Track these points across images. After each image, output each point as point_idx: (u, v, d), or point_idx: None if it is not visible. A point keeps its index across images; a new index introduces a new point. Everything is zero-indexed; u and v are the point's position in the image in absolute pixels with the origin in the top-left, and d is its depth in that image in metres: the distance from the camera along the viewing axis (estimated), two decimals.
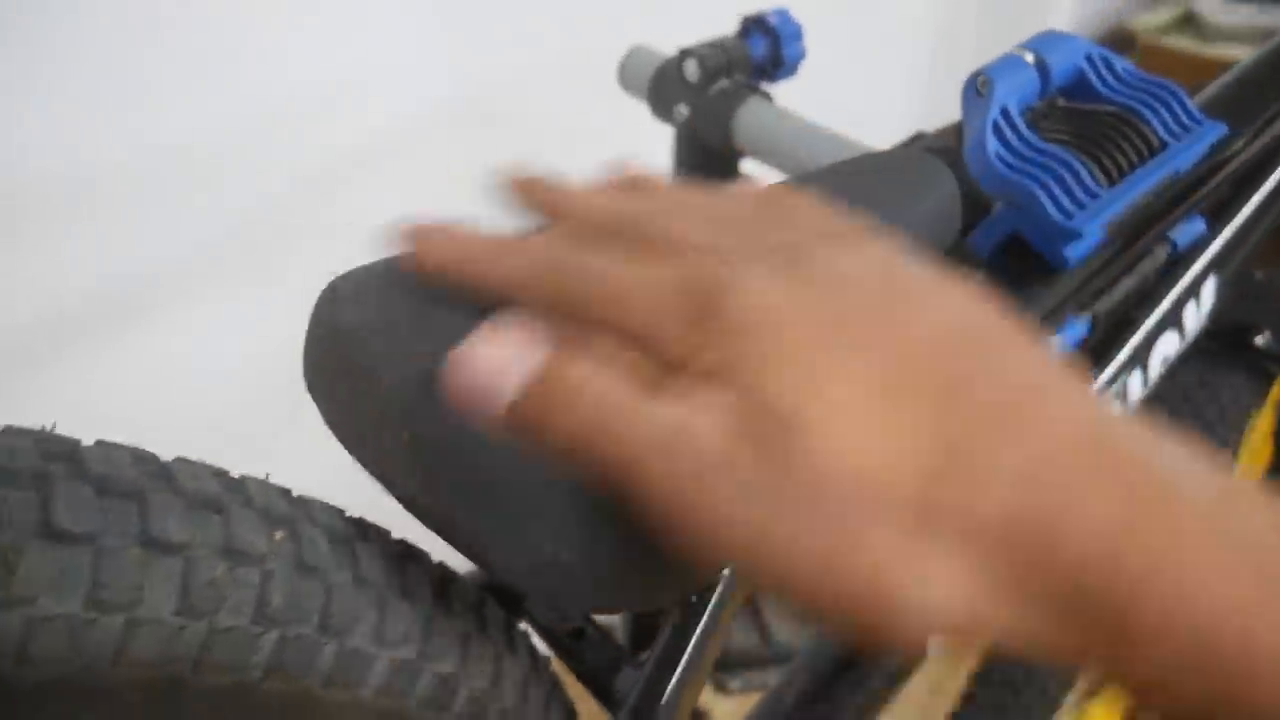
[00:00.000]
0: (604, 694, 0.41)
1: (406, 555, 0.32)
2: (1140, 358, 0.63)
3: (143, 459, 0.26)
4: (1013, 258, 0.51)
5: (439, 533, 0.28)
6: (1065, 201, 0.49)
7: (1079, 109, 0.54)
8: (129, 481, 0.24)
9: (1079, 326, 0.53)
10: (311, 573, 0.27)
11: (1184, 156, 0.52)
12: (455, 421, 0.27)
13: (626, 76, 0.77)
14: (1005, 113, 0.51)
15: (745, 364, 0.24)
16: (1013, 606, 0.22)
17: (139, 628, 0.23)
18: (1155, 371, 0.64)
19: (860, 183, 0.42)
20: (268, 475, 0.29)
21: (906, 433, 0.23)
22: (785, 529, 0.22)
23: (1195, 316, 0.65)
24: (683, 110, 0.73)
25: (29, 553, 0.22)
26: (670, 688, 0.39)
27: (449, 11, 0.87)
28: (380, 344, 0.28)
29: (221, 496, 0.26)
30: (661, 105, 0.74)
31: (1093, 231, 0.50)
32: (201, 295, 0.77)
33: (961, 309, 0.26)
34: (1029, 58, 0.52)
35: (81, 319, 0.72)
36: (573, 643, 0.42)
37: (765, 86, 0.74)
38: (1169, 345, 0.64)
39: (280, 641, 0.26)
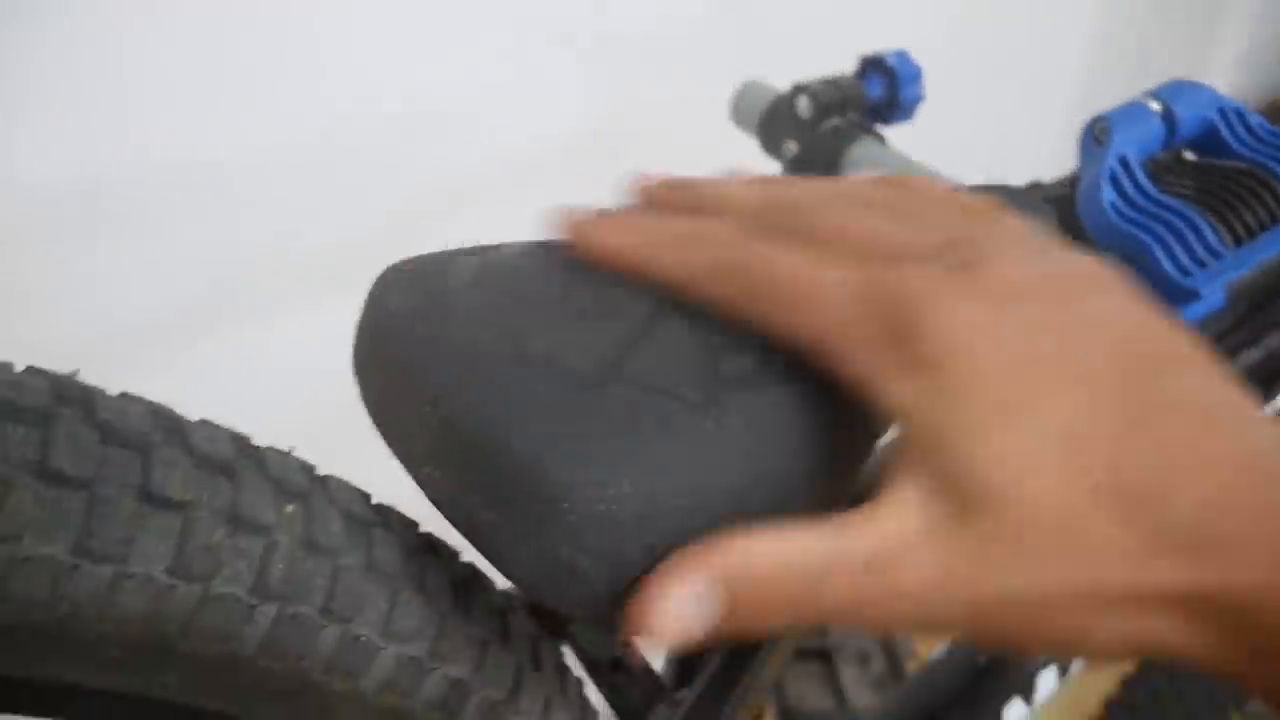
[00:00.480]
0: None
1: (429, 549, 0.31)
2: None
3: (160, 414, 0.25)
4: None
5: (456, 524, 0.27)
6: (1183, 259, 0.46)
7: (1207, 164, 0.50)
8: (136, 433, 0.24)
9: None
10: (320, 551, 0.26)
11: None
12: (485, 409, 0.26)
13: (739, 111, 0.75)
14: (1124, 161, 0.48)
15: (939, 402, 0.24)
16: (1191, 636, 0.23)
17: (127, 581, 0.22)
18: None
19: None
20: (292, 449, 0.28)
21: (1099, 471, 0.23)
22: (992, 586, 0.23)
23: None
24: (792, 147, 0.71)
25: (19, 489, 0.21)
26: None
27: (579, 44, 0.87)
28: (421, 328, 0.27)
29: (234, 461, 0.25)
30: (771, 141, 0.73)
31: (1213, 293, 0.46)
32: (299, 304, 0.79)
33: (1136, 319, 0.26)
34: (1154, 106, 0.49)
35: (187, 318, 0.74)
36: (611, 673, 0.40)
37: (880, 128, 0.72)
38: None
39: (278, 617, 0.25)
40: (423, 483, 0.27)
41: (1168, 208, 0.47)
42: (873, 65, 0.72)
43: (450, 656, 0.30)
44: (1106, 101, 0.48)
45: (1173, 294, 0.45)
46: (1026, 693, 0.56)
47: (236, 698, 0.26)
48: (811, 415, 0.27)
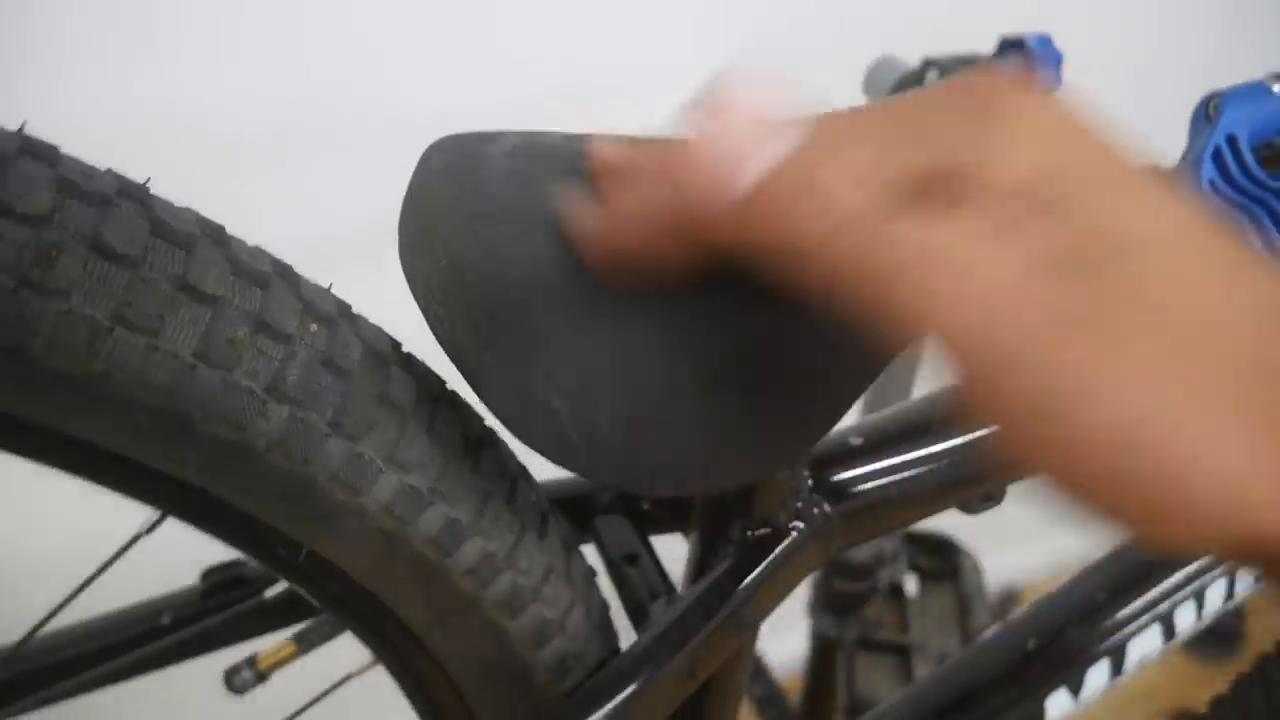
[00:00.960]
0: (636, 618, 0.41)
1: (447, 399, 0.33)
2: None
3: (210, 225, 0.28)
4: None
5: (455, 362, 0.30)
6: (1279, 241, 0.44)
7: None
8: (184, 233, 0.27)
9: None
10: (336, 371, 0.29)
11: None
12: (489, 257, 0.28)
13: (870, 84, 0.75)
14: (1232, 140, 0.46)
15: (1055, 187, 0.22)
16: None
17: (155, 354, 0.26)
18: None
19: None
20: (330, 285, 0.32)
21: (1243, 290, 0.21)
22: (1110, 367, 0.20)
23: None
24: None
25: (72, 255, 0.25)
26: (702, 632, 0.38)
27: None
28: (449, 184, 0.30)
29: (270, 276, 0.29)
30: None
31: None
32: None
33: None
34: (1277, 88, 0.47)
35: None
36: (625, 566, 0.42)
37: None
38: None
39: (289, 419, 0.28)
40: (432, 322, 0.30)
41: (1272, 190, 0.45)
42: (1012, 46, 0.71)
43: (450, 497, 0.32)
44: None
45: None
46: (1075, 687, 0.55)
47: (248, 490, 0.29)
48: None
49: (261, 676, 0.42)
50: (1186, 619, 0.55)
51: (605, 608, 0.40)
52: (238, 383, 0.27)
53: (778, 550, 0.39)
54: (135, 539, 0.34)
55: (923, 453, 0.42)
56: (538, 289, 0.27)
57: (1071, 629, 0.56)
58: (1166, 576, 0.55)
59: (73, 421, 0.27)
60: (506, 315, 0.28)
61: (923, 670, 0.94)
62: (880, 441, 0.42)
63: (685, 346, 0.28)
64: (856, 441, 0.42)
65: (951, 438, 0.42)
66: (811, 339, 0.29)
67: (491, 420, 0.31)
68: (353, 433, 0.30)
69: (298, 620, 0.44)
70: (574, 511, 0.43)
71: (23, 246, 0.24)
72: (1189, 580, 0.55)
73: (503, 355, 0.28)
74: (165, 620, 0.44)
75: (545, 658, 0.37)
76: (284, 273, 0.30)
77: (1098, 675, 0.55)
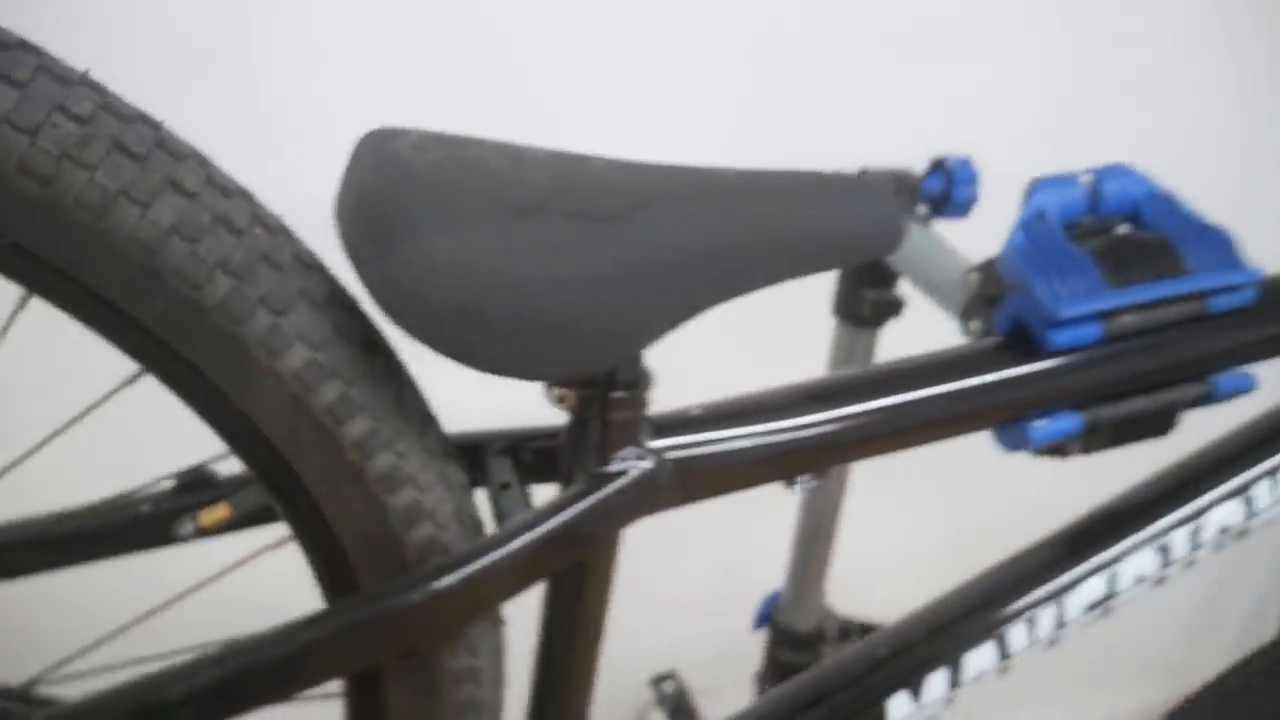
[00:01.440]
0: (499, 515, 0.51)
1: (354, 309, 0.45)
2: (1189, 515, 0.63)
3: (200, 153, 0.41)
4: (1017, 338, 0.56)
5: (355, 266, 0.41)
6: (1061, 291, 0.54)
7: (1127, 235, 0.58)
8: (181, 150, 0.40)
9: (1071, 420, 0.56)
10: (271, 264, 0.41)
11: (1207, 283, 0.55)
12: (376, 179, 0.40)
13: None
14: (1041, 215, 0.57)
15: None
16: None
17: (144, 221, 0.38)
18: (1208, 536, 0.63)
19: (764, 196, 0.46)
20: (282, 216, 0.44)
21: None
22: None
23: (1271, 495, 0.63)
24: None
25: (100, 144, 0.37)
26: (536, 534, 0.47)
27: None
28: (363, 154, 0.43)
29: (235, 193, 0.41)
30: None
31: (1084, 323, 0.54)
32: None
33: None
34: (1085, 180, 0.58)
35: None
36: (499, 490, 0.52)
37: (939, 221, 0.82)
38: (1230, 514, 0.63)
39: (230, 289, 0.40)
40: (342, 237, 0.42)
41: (1061, 252, 0.55)
42: (937, 165, 0.83)
43: (345, 376, 0.43)
44: None
45: (1043, 317, 0.54)
46: (915, 690, 0.62)
47: (195, 346, 0.41)
48: None
49: (201, 531, 0.53)
50: (1019, 640, 0.63)
51: (474, 512, 0.50)
52: (198, 253, 0.39)
53: (611, 485, 0.49)
54: (113, 392, 0.46)
55: (752, 429, 0.52)
56: (407, 198, 0.39)
57: (919, 643, 0.63)
58: (1009, 602, 0.63)
59: (85, 268, 0.39)
60: (389, 222, 0.40)
61: None
62: (718, 417, 0.52)
63: (518, 250, 0.39)
64: (697, 413, 0.52)
65: (780, 420, 0.52)
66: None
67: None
68: (276, 309, 0.41)
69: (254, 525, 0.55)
70: (470, 451, 0.54)
71: (69, 133, 0.37)
72: (1029, 606, 0.62)
73: (377, 249, 0.40)
74: (145, 509, 0.56)
75: (415, 538, 0.47)
76: (245, 194, 0.42)
77: (937, 683, 0.62)
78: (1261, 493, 0.63)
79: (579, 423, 0.49)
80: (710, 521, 0.80)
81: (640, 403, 0.49)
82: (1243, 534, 0.64)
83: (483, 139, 0.44)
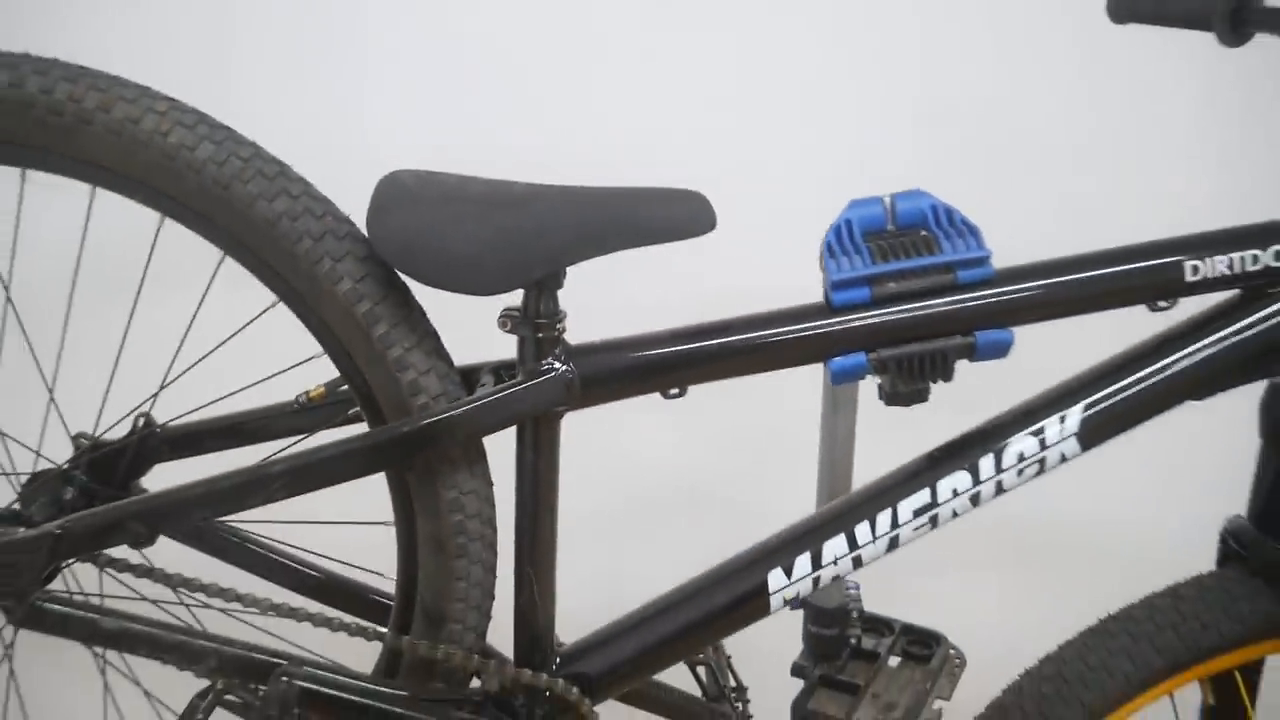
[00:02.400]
0: None
1: (381, 263, 0.81)
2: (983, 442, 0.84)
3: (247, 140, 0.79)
4: (826, 301, 0.83)
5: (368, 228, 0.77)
6: (844, 265, 0.81)
7: (908, 233, 0.84)
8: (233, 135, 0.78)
9: (858, 358, 0.81)
10: (335, 236, 0.78)
11: (949, 258, 0.80)
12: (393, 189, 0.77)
13: None
14: (848, 223, 0.84)
15: None
16: None
17: (271, 208, 0.76)
18: (1009, 461, 0.84)
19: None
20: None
21: None
22: None
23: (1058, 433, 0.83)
24: None
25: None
26: (454, 412, 0.79)
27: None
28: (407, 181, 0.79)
29: (315, 194, 0.79)
30: None
31: (853, 284, 0.81)
32: None
33: None
34: (886, 200, 0.85)
35: None
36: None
37: None
38: (1026, 446, 0.84)
39: (311, 246, 0.77)
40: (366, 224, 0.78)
41: (852, 245, 0.82)
42: None
43: (371, 298, 0.79)
44: None
45: (830, 283, 0.81)
46: (788, 569, 0.86)
47: (295, 277, 0.78)
48: None
49: (310, 401, 0.90)
50: (865, 536, 0.85)
51: (456, 392, 0.83)
52: (296, 227, 0.77)
53: (537, 377, 0.80)
54: (263, 312, 0.84)
55: (633, 354, 0.82)
56: (391, 196, 0.75)
57: (791, 538, 0.88)
58: (858, 509, 0.86)
59: (244, 239, 0.77)
60: (379, 206, 0.75)
61: (865, 710, 1.18)
62: (611, 346, 0.82)
63: (443, 219, 0.74)
64: (597, 342, 0.83)
65: (654, 349, 0.82)
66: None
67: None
68: (335, 258, 0.78)
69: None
70: (470, 373, 0.87)
71: (236, 166, 0.77)
72: (871, 512, 0.85)
73: (377, 222, 0.75)
74: (295, 405, 0.93)
75: (415, 403, 0.81)
76: (324, 199, 0.80)
77: (801, 563, 0.86)
78: (1053, 430, 0.83)
79: (520, 344, 0.82)
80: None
81: (554, 328, 0.81)
82: (1040, 464, 0.84)
83: (455, 174, 0.79)
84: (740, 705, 1.16)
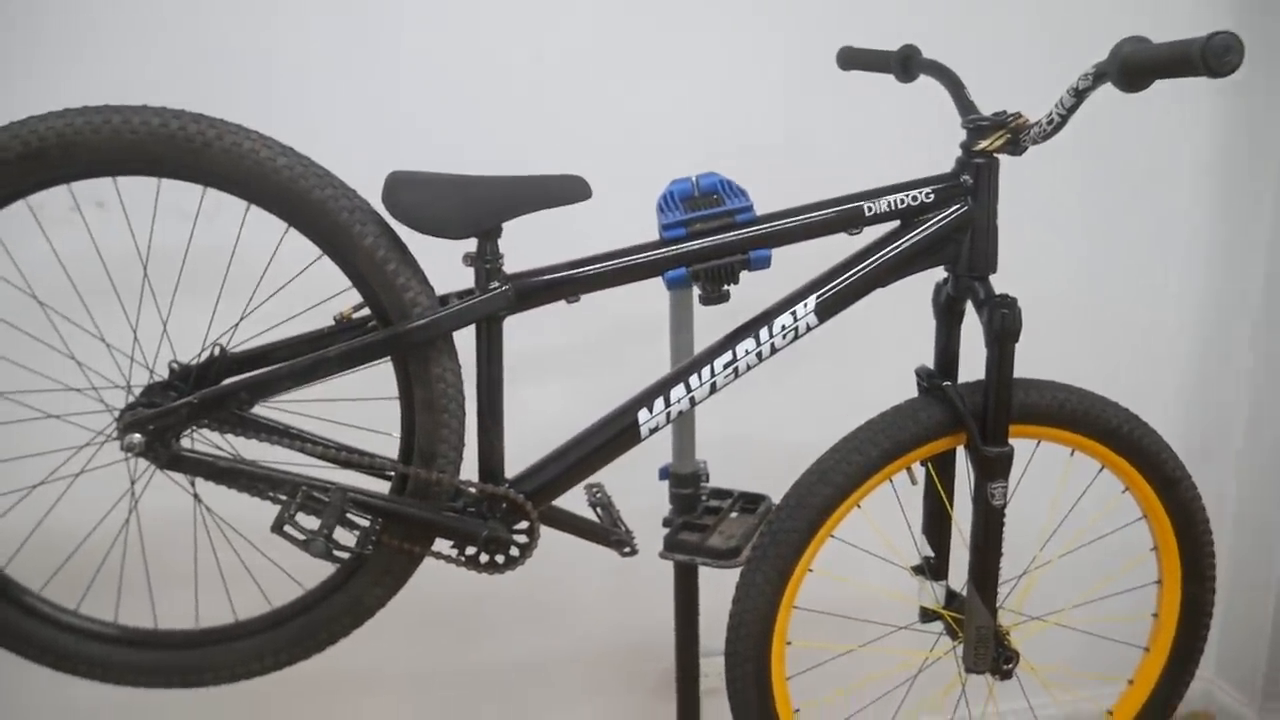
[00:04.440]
0: None
1: (388, 226, 1.31)
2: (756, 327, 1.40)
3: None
4: (660, 239, 1.38)
5: (385, 203, 1.28)
6: (669, 215, 1.36)
7: (707, 196, 1.39)
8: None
9: (680, 271, 1.36)
10: (359, 210, 1.28)
11: (729, 206, 1.36)
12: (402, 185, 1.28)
13: None
14: (671, 193, 1.40)
15: None
16: None
17: (323, 194, 1.26)
18: (778, 331, 1.39)
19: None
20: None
21: None
22: None
23: (805, 309, 1.40)
24: None
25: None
26: (418, 322, 1.31)
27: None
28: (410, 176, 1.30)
29: (344, 186, 1.29)
30: None
31: (675, 225, 1.36)
32: None
33: None
34: (693, 178, 1.41)
35: None
36: None
37: None
38: (786, 320, 1.40)
39: (348, 215, 1.27)
40: (383, 199, 1.29)
41: (672, 205, 1.38)
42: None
43: (385, 246, 1.29)
44: None
45: (660, 227, 1.36)
46: (649, 407, 1.39)
47: (338, 238, 1.27)
48: None
49: (344, 318, 1.38)
50: (696, 382, 1.39)
51: (434, 299, 1.33)
52: (339, 203, 1.27)
53: (487, 292, 1.32)
54: (315, 262, 1.33)
55: (554, 275, 1.34)
56: (399, 184, 1.26)
57: (650, 392, 1.42)
58: (690, 366, 1.40)
59: (304, 215, 1.27)
60: (391, 188, 1.27)
61: (714, 539, 1.72)
62: (541, 270, 1.35)
63: (431, 194, 1.26)
64: (531, 269, 1.35)
65: (566, 271, 1.34)
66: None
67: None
68: (362, 222, 1.28)
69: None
70: (447, 299, 1.38)
71: (297, 168, 1.26)
72: (698, 366, 1.40)
73: (393, 197, 1.26)
74: (334, 324, 1.41)
75: (415, 315, 1.31)
76: (351, 191, 1.30)
77: (658, 404, 1.39)
78: (801, 309, 1.39)
79: (476, 272, 1.33)
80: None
81: (497, 262, 1.32)
82: (795, 331, 1.40)
83: (435, 171, 1.30)
84: (626, 531, 1.69)
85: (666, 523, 1.77)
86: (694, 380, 1.40)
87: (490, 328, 1.34)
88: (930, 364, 1.53)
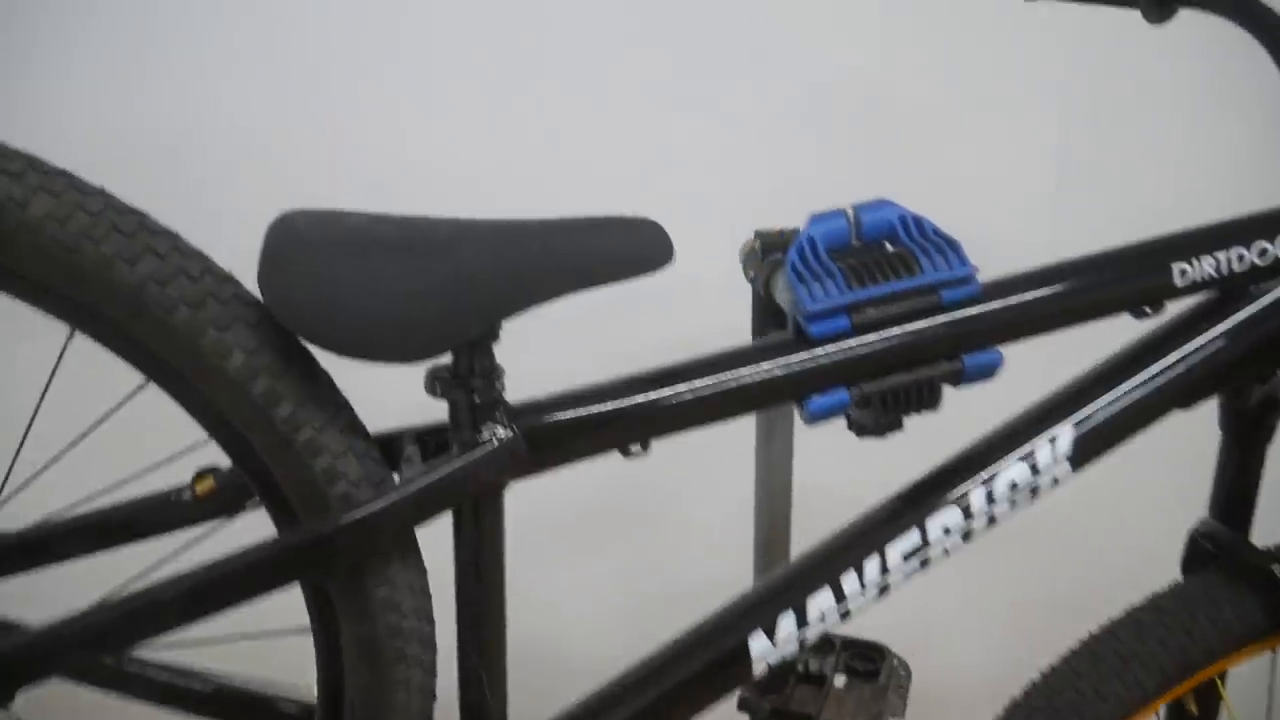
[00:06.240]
0: None
1: (279, 329, 0.66)
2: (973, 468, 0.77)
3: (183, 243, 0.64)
4: (795, 334, 0.74)
5: (261, 289, 0.63)
6: (816, 292, 0.72)
7: (874, 250, 0.75)
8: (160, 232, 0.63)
9: (839, 395, 0.72)
10: (216, 299, 0.63)
11: (933, 278, 0.72)
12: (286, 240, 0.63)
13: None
14: (811, 240, 0.75)
15: None
16: None
17: (133, 272, 0.61)
18: (1001, 492, 0.76)
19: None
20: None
21: None
22: None
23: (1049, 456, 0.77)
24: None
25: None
26: (416, 487, 0.67)
27: None
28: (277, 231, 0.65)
29: (189, 250, 0.64)
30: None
31: (834, 315, 0.71)
32: None
33: None
34: (849, 213, 0.76)
35: None
36: (402, 462, 0.72)
37: None
38: (1018, 473, 0.77)
39: (189, 315, 0.62)
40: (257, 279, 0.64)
41: (821, 266, 0.73)
42: None
43: (270, 372, 0.64)
44: None
45: (804, 313, 0.71)
46: (769, 631, 0.77)
47: (173, 352, 0.63)
48: None
49: (197, 497, 0.74)
50: (853, 586, 0.77)
51: (380, 475, 0.69)
52: (168, 292, 0.62)
53: (478, 450, 0.68)
54: (130, 396, 0.68)
55: (587, 410, 0.70)
56: (286, 245, 0.61)
57: (773, 593, 0.78)
58: (843, 556, 0.77)
59: (103, 306, 0.62)
60: (274, 257, 0.62)
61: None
62: (557, 401, 0.71)
63: (355, 273, 0.61)
64: (544, 399, 0.71)
65: (609, 402, 0.71)
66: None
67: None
68: (220, 327, 0.63)
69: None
70: (389, 443, 0.73)
71: (84, 221, 0.61)
72: (859, 558, 0.77)
73: (270, 278, 0.61)
74: (167, 499, 0.78)
75: (335, 492, 0.67)
76: (201, 255, 0.65)
77: (786, 624, 0.77)
78: (1044, 454, 0.77)
79: (453, 407, 0.69)
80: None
81: (493, 389, 0.68)
82: (1034, 491, 0.77)
83: (361, 211, 0.66)
84: None
85: (744, 704, 1.16)
86: (849, 581, 0.77)
87: (481, 505, 0.71)
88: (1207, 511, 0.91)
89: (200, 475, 0.76)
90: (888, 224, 0.75)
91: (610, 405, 0.71)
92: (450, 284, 0.63)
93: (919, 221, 0.75)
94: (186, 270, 0.63)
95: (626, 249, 0.67)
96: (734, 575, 0.94)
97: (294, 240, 0.63)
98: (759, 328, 1.00)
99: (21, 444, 0.74)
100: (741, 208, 1.20)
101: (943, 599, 1.37)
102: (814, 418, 0.73)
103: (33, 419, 0.73)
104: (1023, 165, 1.38)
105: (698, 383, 0.72)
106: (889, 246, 0.75)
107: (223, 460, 0.72)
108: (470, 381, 0.68)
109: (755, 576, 1.11)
